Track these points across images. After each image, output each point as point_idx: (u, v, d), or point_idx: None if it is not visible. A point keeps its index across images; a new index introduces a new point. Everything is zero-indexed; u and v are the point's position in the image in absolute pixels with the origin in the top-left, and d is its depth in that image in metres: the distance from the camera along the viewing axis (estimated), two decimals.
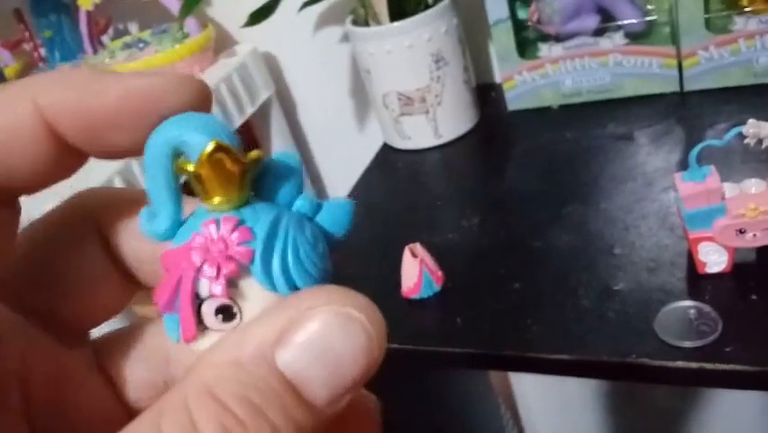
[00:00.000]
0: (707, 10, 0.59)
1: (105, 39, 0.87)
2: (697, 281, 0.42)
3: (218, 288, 0.15)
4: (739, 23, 0.59)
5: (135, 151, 0.17)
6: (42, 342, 0.19)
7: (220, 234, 0.16)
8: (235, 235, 0.16)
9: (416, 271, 0.48)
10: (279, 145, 0.84)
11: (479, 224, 0.55)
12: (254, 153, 0.16)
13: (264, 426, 0.15)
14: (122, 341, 0.20)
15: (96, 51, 0.81)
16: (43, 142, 0.17)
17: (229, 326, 0.16)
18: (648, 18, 0.64)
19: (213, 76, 0.74)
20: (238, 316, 0.16)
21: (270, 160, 0.17)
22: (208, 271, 0.15)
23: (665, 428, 1.00)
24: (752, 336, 0.38)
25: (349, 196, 0.66)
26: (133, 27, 0.90)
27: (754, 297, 0.40)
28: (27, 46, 0.90)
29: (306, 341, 0.15)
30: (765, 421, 0.90)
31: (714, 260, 0.42)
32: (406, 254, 0.49)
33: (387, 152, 0.72)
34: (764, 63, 0.59)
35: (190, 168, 0.16)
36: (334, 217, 0.17)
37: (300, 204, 0.17)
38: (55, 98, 0.16)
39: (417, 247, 0.49)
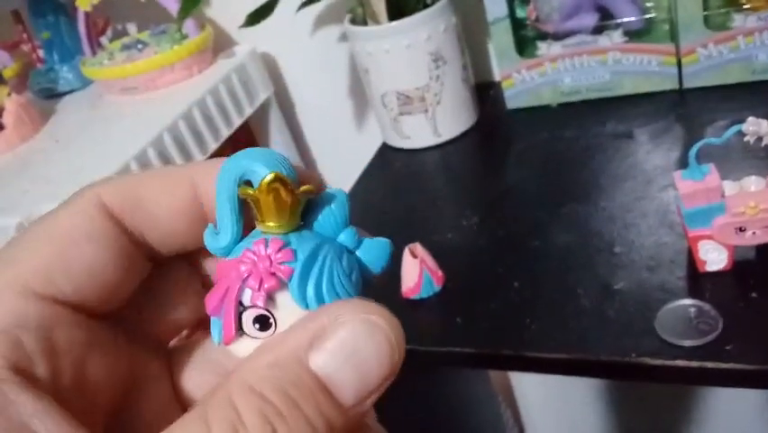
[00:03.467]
0: (706, 7, 0.59)
1: (103, 40, 0.86)
2: (697, 280, 0.42)
3: (259, 298, 0.18)
4: (738, 19, 0.58)
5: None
6: (126, 351, 0.20)
7: (267, 253, 0.18)
8: (279, 255, 0.18)
9: (417, 272, 0.48)
10: (279, 145, 0.84)
11: (478, 223, 0.55)
12: (306, 187, 0.18)
13: (300, 418, 0.16)
14: (188, 350, 0.22)
15: (94, 53, 0.81)
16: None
17: (264, 334, 0.18)
18: (647, 16, 0.64)
19: (211, 76, 0.74)
20: (273, 326, 0.18)
21: (323, 194, 0.20)
22: (252, 283, 0.18)
23: (666, 427, 1.00)
24: (752, 334, 0.38)
25: (349, 195, 0.66)
26: (132, 28, 0.90)
27: (754, 295, 0.40)
28: (25, 47, 0.90)
29: (335, 346, 0.17)
30: (766, 419, 0.90)
31: (714, 258, 0.42)
32: (406, 255, 0.49)
33: (386, 151, 0.72)
34: (763, 60, 0.59)
35: (251, 193, 0.18)
36: (373, 254, 0.19)
37: (344, 237, 0.19)
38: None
39: (417, 247, 0.49)
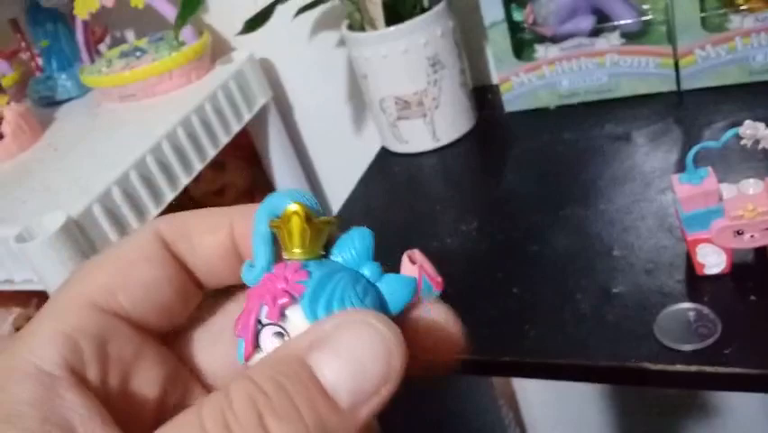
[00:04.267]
0: (703, 8, 0.59)
1: (101, 48, 0.87)
2: (696, 283, 0.42)
3: (273, 315, 0.19)
4: (735, 21, 0.58)
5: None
6: (175, 372, 0.22)
7: (284, 274, 0.19)
8: (295, 276, 0.19)
9: (415, 278, 0.48)
10: (277, 151, 0.84)
11: (477, 227, 0.55)
12: (327, 218, 0.20)
13: (291, 409, 0.17)
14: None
15: (92, 60, 0.81)
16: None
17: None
18: (644, 18, 0.64)
19: (209, 83, 0.74)
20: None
21: (351, 230, 0.21)
22: (268, 300, 0.19)
23: (668, 430, 0.99)
24: (751, 337, 0.38)
25: (347, 200, 0.66)
26: (130, 35, 0.90)
27: (753, 298, 0.40)
28: (24, 56, 0.90)
29: (334, 347, 0.18)
30: (766, 423, 0.90)
31: (712, 261, 0.42)
32: (405, 260, 0.48)
33: (384, 156, 0.72)
34: (761, 61, 0.59)
35: (276, 223, 0.20)
36: (394, 288, 0.21)
37: (366, 269, 0.20)
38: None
39: (416, 253, 0.49)
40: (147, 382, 0.21)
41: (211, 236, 0.22)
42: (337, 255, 0.21)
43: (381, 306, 0.20)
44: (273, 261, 0.20)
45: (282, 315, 0.19)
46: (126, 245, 0.22)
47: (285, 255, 0.20)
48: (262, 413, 0.16)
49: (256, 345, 0.19)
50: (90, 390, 0.19)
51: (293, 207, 0.19)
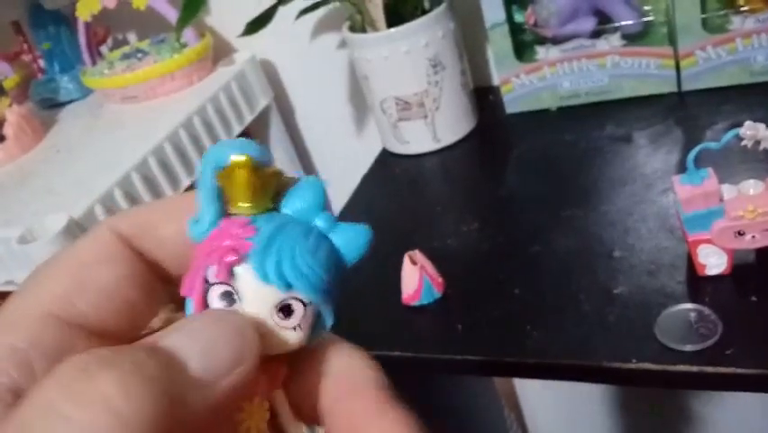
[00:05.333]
0: (704, 10, 0.59)
1: (103, 49, 0.87)
2: (697, 284, 0.42)
3: (220, 274, 0.18)
4: (736, 22, 0.59)
5: None
6: None
7: (231, 231, 0.18)
8: (242, 231, 0.18)
9: (416, 278, 0.48)
10: (279, 151, 0.84)
11: (478, 229, 0.55)
12: (274, 168, 0.19)
13: (127, 357, 0.15)
14: None
15: (94, 62, 0.81)
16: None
17: (229, 310, 0.18)
18: (645, 19, 0.64)
19: (211, 84, 0.75)
20: (237, 301, 0.18)
21: (299, 181, 0.19)
22: (214, 259, 0.18)
23: (668, 430, 0.99)
24: (752, 337, 0.38)
25: (349, 201, 0.66)
26: (132, 37, 0.90)
27: (753, 298, 0.40)
28: (26, 58, 0.90)
29: (182, 329, 0.17)
30: (766, 423, 0.90)
31: (713, 262, 0.42)
32: (406, 261, 0.49)
33: (385, 157, 0.72)
34: (762, 62, 0.59)
35: (221, 175, 0.18)
36: (347, 238, 0.19)
37: (318, 221, 0.19)
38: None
39: (417, 254, 0.49)
40: None
41: (174, 224, 0.21)
42: (287, 208, 0.19)
43: (335, 258, 0.19)
44: (220, 216, 0.19)
45: (231, 273, 0.18)
46: (81, 247, 0.20)
47: (231, 210, 0.19)
48: (88, 367, 0.15)
49: (205, 306, 0.18)
50: None
51: (238, 158, 0.18)
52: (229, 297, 0.18)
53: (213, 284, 0.18)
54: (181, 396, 0.16)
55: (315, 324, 0.19)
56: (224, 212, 0.19)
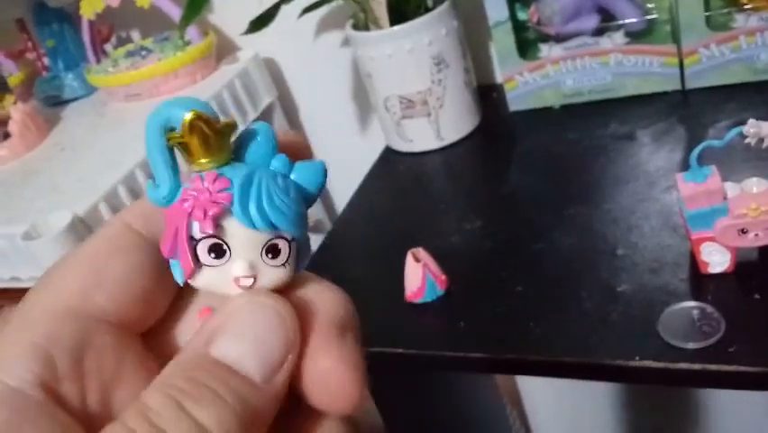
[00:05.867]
0: (707, 7, 0.59)
1: (107, 47, 0.87)
2: (700, 282, 0.42)
3: (207, 227, 0.18)
4: (740, 20, 0.58)
5: None
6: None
7: (204, 186, 0.19)
8: (216, 184, 0.18)
9: (420, 276, 0.48)
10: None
11: (481, 226, 0.55)
12: (228, 120, 0.19)
13: (206, 391, 0.17)
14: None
15: (98, 60, 0.81)
16: None
17: (220, 262, 0.19)
18: (648, 17, 0.64)
19: (215, 82, 0.75)
20: (227, 252, 0.19)
21: (247, 129, 0.20)
22: (198, 214, 0.18)
23: (673, 428, 0.99)
24: (755, 335, 0.38)
25: (352, 199, 0.66)
26: (135, 35, 0.90)
27: (756, 296, 0.40)
28: (30, 55, 0.90)
29: (229, 331, 0.18)
30: None
31: (716, 260, 0.42)
32: (409, 259, 0.49)
33: (389, 155, 0.72)
34: (765, 60, 0.59)
35: (177, 136, 0.19)
36: (307, 175, 0.20)
37: (275, 164, 0.20)
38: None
39: (420, 252, 0.49)
40: (130, 394, 0.19)
41: None
42: (243, 156, 0.20)
43: (302, 194, 0.20)
44: (179, 176, 0.19)
45: (217, 225, 0.18)
46: (94, 241, 0.21)
47: (193, 167, 0.19)
48: (181, 402, 0.16)
49: (196, 262, 0.19)
50: (67, 409, 0.18)
51: (191, 115, 0.18)
52: (219, 249, 0.19)
53: (200, 240, 0.19)
54: (255, 409, 0.17)
55: (297, 258, 0.20)
56: (179, 172, 0.19)
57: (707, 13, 0.59)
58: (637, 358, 0.39)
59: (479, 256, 0.52)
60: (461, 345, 0.45)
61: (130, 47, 0.83)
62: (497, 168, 0.65)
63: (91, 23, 0.79)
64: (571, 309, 0.44)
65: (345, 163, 0.88)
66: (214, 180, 0.18)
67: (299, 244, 0.20)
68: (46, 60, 0.88)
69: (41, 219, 0.55)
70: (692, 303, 0.41)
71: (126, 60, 0.78)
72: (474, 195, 0.63)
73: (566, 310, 0.44)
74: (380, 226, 0.61)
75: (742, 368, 0.37)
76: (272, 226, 0.19)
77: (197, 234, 0.19)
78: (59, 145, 0.74)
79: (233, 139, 0.20)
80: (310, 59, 0.83)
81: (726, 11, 0.60)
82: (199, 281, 0.19)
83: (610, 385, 0.98)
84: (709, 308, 0.40)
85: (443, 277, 0.49)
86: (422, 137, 0.69)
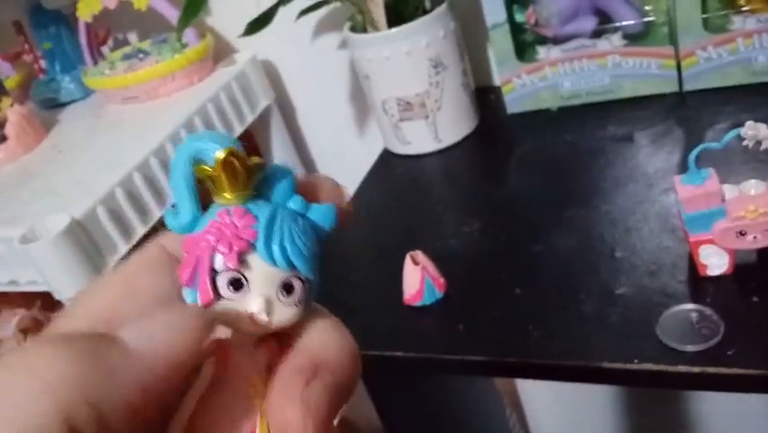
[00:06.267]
0: (704, 10, 0.59)
1: (104, 50, 0.87)
2: (698, 284, 0.42)
3: (231, 261, 0.19)
4: (737, 22, 0.59)
5: None
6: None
7: (232, 220, 0.19)
8: (243, 221, 0.19)
9: (418, 279, 0.48)
10: (280, 152, 0.84)
11: (479, 229, 0.55)
12: (257, 159, 0.20)
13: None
14: None
15: (95, 62, 0.81)
16: None
17: (237, 295, 0.19)
18: (646, 19, 0.64)
19: (212, 84, 0.75)
20: (245, 286, 0.19)
21: (270, 166, 0.21)
22: (223, 248, 0.19)
23: (672, 430, 0.99)
24: (754, 338, 0.38)
25: (350, 201, 0.66)
26: (133, 37, 0.90)
27: (755, 299, 0.40)
28: (27, 58, 0.90)
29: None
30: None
31: (715, 262, 0.42)
32: (408, 262, 0.49)
33: (387, 157, 0.72)
34: (763, 62, 0.59)
35: (208, 170, 0.19)
36: (321, 215, 0.21)
37: (293, 204, 0.21)
38: None
39: (419, 255, 0.49)
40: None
41: None
42: (264, 194, 0.21)
43: (317, 233, 0.21)
44: (200, 206, 0.20)
45: (241, 261, 0.19)
46: (129, 261, 0.21)
47: (217, 201, 0.20)
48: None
49: (216, 294, 0.19)
50: None
51: (226, 152, 0.19)
52: (238, 283, 0.19)
53: (221, 272, 0.19)
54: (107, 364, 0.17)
55: (308, 298, 0.21)
56: (200, 203, 0.20)
57: (704, 16, 0.59)
58: (636, 361, 0.39)
59: (477, 259, 0.52)
60: (460, 348, 0.44)
61: (127, 49, 0.82)
62: (495, 170, 0.65)
63: (88, 26, 0.79)
64: (569, 312, 0.44)
65: (343, 165, 0.88)
66: (242, 216, 0.19)
67: (311, 284, 0.20)
68: (43, 63, 0.88)
69: (38, 222, 0.55)
70: (691, 306, 0.41)
71: (123, 63, 0.78)
72: (472, 197, 0.62)
73: (565, 313, 0.44)
74: (378, 229, 0.61)
75: (741, 371, 0.36)
76: (291, 265, 0.19)
77: (219, 267, 0.19)
78: (56, 148, 0.73)
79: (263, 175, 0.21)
80: (308, 61, 0.83)
81: (723, 13, 0.60)
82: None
83: (609, 388, 0.98)
84: (708, 311, 0.40)
85: (442, 280, 0.49)
86: (420, 139, 0.69)
